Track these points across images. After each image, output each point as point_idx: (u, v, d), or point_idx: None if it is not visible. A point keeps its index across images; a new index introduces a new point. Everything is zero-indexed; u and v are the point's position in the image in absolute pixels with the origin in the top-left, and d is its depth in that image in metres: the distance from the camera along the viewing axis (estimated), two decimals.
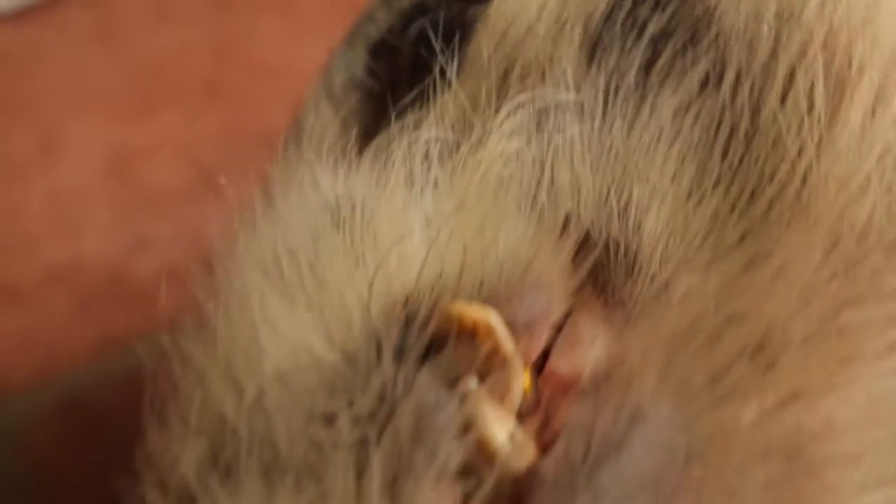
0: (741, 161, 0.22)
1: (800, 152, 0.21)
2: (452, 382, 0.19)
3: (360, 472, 0.19)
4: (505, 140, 0.24)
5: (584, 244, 0.22)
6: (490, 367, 0.20)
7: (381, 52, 0.31)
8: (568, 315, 0.22)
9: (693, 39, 0.23)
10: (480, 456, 0.19)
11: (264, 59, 0.71)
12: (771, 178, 0.21)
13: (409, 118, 0.26)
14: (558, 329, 0.21)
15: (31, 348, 0.60)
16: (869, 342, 0.20)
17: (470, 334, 0.20)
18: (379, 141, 0.26)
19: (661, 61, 0.23)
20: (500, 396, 0.20)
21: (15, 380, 0.59)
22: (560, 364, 0.21)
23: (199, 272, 0.28)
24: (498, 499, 0.19)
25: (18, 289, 0.62)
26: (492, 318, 0.20)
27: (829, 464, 0.19)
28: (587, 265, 0.21)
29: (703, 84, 0.23)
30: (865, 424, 0.19)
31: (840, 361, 0.19)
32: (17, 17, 0.74)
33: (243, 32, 0.74)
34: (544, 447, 0.19)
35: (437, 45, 0.26)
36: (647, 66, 0.23)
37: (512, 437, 0.19)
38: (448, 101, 0.25)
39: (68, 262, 0.63)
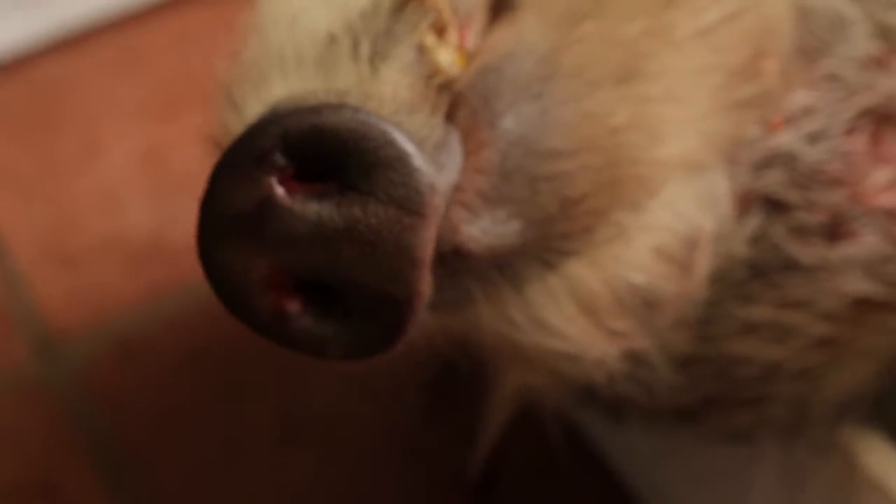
0: None
1: None
2: (413, 26, 0.33)
3: (355, 54, 0.32)
4: None
5: None
6: (437, 22, 0.33)
7: None
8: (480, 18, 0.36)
9: None
10: (422, 61, 0.33)
11: None
12: None
13: None
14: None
15: (89, 302, 0.75)
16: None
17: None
18: None
19: None
20: (441, 35, 0.34)
21: (77, 327, 0.74)
22: (478, 34, 0.36)
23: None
24: (440, 98, 0.33)
25: (75, 258, 0.77)
26: None
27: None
28: None
29: None
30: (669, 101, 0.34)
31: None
32: (57, 49, 0.90)
33: None
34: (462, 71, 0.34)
35: None
36: None
37: (438, 58, 0.33)
38: None
39: (114, 234, 0.79)
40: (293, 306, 0.33)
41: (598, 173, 0.36)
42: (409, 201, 0.31)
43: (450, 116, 0.34)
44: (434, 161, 0.32)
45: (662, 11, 0.38)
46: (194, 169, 0.75)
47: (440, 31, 0.34)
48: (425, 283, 0.32)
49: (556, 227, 0.36)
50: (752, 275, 0.46)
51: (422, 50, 0.33)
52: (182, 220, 0.79)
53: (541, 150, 0.35)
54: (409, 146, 0.31)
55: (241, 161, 0.31)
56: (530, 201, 0.36)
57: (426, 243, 0.32)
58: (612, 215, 0.37)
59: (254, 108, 0.34)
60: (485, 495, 0.66)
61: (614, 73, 0.37)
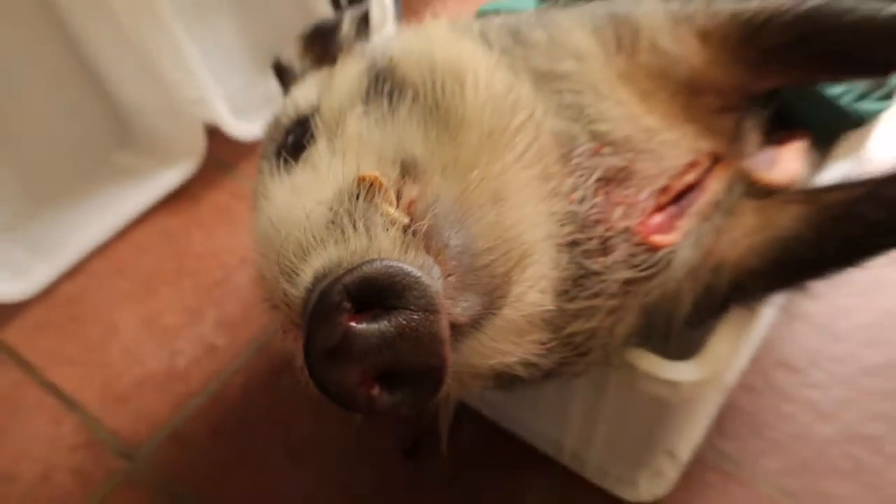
0: (393, 102, 0.57)
1: (442, 110, 0.55)
2: (375, 205, 0.48)
3: (354, 229, 0.46)
4: (357, 122, 0.58)
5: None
6: (385, 195, 0.49)
7: (284, 137, 0.64)
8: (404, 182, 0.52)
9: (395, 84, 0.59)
10: (390, 223, 0.47)
11: None
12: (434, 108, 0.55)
13: (303, 155, 0.59)
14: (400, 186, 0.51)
15: (139, 419, 1.13)
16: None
17: (372, 183, 0.49)
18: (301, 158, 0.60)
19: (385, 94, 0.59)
20: (391, 203, 0.49)
21: (140, 435, 1.11)
22: (408, 194, 0.51)
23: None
24: (403, 237, 0.46)
25: (122, 395, 1.15)
26: (378, 177, 0.50)
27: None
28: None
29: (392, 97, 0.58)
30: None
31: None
32: (73, 273, 1.31)
33: None
34: (411, 217, 0.48)
35: (306, 138, 0.60)
36: (375, 97, 0.59)
37: (396, 216, 0.48)
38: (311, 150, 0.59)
39: (141, 374, 1.17)
40: (377, 392, 0.44)
41: (509, 257, 0.51)
42: (429, 306, 0.43)
43: (424, 248, 0.47)
44: (431, 276, 0.44)
45: (502, 155, 0.55)
46: (179, 323, 1.17)
47: (389, 199, 0.49)
48: (450, 352, 0.44)
49: (495, 292, 0.50)
50: (570, 284, 0.63)
51: (385, 214, 0.48)
52: (180, 356, 1.18)
53: (476, 252, 0.49)
54: (417, 273, 0.44)
55: (325, 311, 0.43)
56: (479, 283, 0.49)
57: (445, 328, 0.44)
58: (517, 279, 0.52)
59: (306, 278, 0.48)
60: (413, 452, 1.02)
61: (493, 197, 0.52)
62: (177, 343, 1.21)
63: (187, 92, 1.33)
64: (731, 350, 0.74)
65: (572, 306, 0.64)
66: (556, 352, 0.65)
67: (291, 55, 0.79)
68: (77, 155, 1.42)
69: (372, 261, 0.43)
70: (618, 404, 0.83)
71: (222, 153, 1.47)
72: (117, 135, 1.46)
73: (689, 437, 0.99)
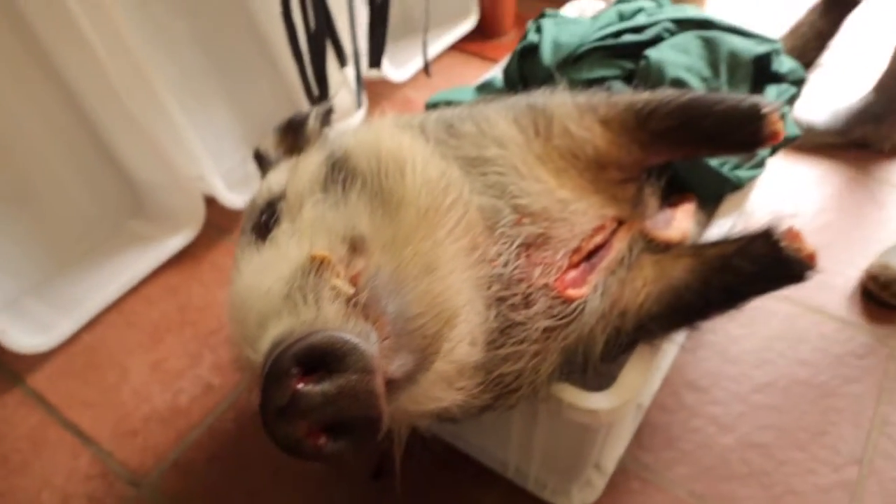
0: (346, 187, 0.57)
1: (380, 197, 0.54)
2: (324, 279, 0.48)
3: (305, 302, 0.46)
4: (313, 207, 0.56)
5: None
6: (334, 270, 0.49)
7: (258, 217, 0.62)
8: (352, 257, 0.52)
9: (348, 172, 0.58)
10: (336, 295, 0.47)
11: None
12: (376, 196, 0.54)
13: (270, 234, 0.57)
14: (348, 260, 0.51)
15: (147, 450, 1.09)
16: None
17: (322, 260, 0.49)
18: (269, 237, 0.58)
19: (339, 181, 0.58)
20: (338, 277, 0.49)
21: (147, 465, 1.07)
22: (354, 267, 0.50)
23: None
24: (355, 309, 0.46)
25: (133, 429, 1.12)
26: (327, 255, 0.50)
27: None
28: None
29: (345, 183, 0.58)
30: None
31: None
32: (90, 324, 1.28)
33: None
34: (355, 288, 0.48)
35: (274, 219, 0.59)
36: (332, 183, 0.58)
37: (342, 288, 0.48)
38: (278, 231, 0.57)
39: (149, 411, 1.13)
40: (323, 441, 0.44)
41: (438, 319, 0.50)
42: (365, 367, 0.43)
43: (364, 316, 0.47)
44: (368, 343, 0.44)
45: (435, 231, 0.55)
46: (181, 366, 1.15)
47: (337, 274, 0.49)
48: (385, 404, 0.45)
49: (427, 350, 0.50)
50: (498, 334, 0.65)
51: (333, 287, 0.48)
52: (182, 394, 1.15)
53: (410, 317, 0.49)
54: (355, 340, 0.44)
55: (276, 376, 0.43)
56: (413, 344, 0.49)
57: (380, 385, 0.44)
58: (446, 336, 0.52)
59: (263, 345, 0.46)
60: (379, 474, 1.00)
61: (425, 268, 0.52)
62: (180, 383, 1.18)
63: (189, 170, 1.33)
64: (639, 381, 0.75)
65: (501, 352, 0.64)
66: (490, 391, 0.65)
67: (269, 144, 0.79)
68: (96, 223, 1.40)
69: (317, 331, 0.43)
70: (549, 429, 0.83)
71: (219, 220, 1.46)
72: (130, 206, 1.45)
73: (613, 452, 0.99)
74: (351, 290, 0.48)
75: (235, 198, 1.39)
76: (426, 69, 1.58)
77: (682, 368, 1.16)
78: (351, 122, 1.58)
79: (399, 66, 1.76)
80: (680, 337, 0.90)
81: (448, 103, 0.95)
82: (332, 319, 0.45)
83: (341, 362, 0.43)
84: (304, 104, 1.49)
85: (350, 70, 1.52)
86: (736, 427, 1.08)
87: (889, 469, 1.02)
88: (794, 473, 1.02)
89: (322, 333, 0.43)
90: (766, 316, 1.24)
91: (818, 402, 1.11)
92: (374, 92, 1.79)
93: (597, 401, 0.72)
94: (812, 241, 0.69)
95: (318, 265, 0.49)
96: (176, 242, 1.39)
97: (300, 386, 0.42)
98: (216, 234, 1.46)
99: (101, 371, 1.22)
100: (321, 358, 0.43)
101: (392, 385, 0.47)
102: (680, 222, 0.83)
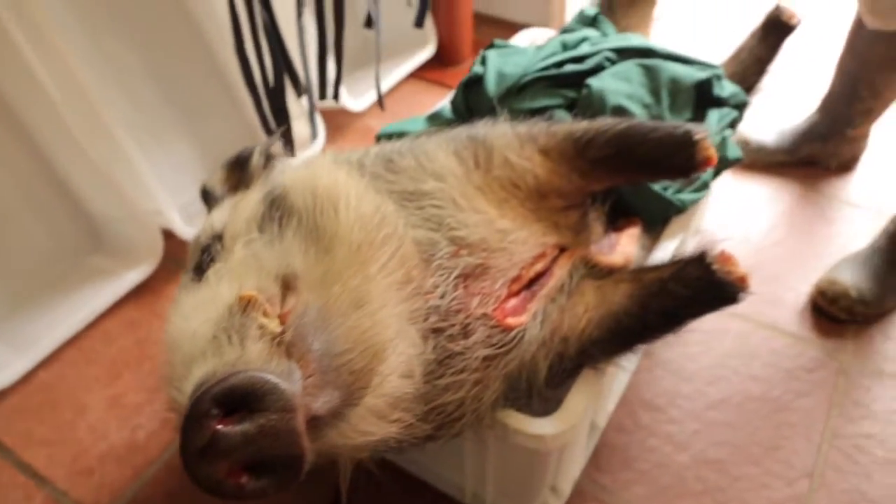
0: (282, 224, 0.57)
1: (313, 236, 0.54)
2: (251, 318, 0.48)
3: (230, 342, 0.46)
4: (245, 246, 0.56)
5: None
6: (264, 311, 0.49)
7: (200, 255, 0.62)
8: (284, 295, 0.52)
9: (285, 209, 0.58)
10: (262, 334, 0.47)
11: None
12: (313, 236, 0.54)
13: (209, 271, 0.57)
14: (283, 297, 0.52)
15: (104, 488, 1.08)
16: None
17: (250, 300, 0.49)
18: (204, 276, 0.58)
19: (276, 218, 0.58)
20: (266, 316, 0.49)
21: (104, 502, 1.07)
22: (286, 306, 0.51)
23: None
24: (280, 348, 0.46)
25: (88, 468, 1.10)
26: (255, 295, 0.50)
27: None
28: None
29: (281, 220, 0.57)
30: None
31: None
32: (47, 362, 1.26)
33: None
34: (283, 325, 0.48)
35: (209, 258, 0.59)
36: (269, 221, 0.58)
37: (269, 327, 0.48)
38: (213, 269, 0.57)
39: (106, 449, 1.12)
40: (245, 480, 0.44)
41: (365, 354, 0.51)
42: (285, 406, 0.44)
43: (289, 355, 0.47)
44: (290, 381, 0.45)
45: (367, 266, 0.57)
46: (139, 401, 1.13)
47: (265, 313, 0.50)
48: (307, 442, 0.45)
49: (354, 386, 0.50)
50: (437, 364, 0.64)
51: (260, 326, 0.48)
52: (140, 430, 1.14)
53: (336, 354, 0.49)
54: (276, 380, 0.44)
55: (196, 417, 0.43)
56: (339, 380, 0.49)
57: (301, 423, 0.44)
58: (375, 371, 0.52)
59: (188, 386, 0.47)
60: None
61: (354, 304, 0.52)
62: (137, 419, 1.16)
63: (146, 204, 1.32)
64: (584, 405, 0.76)
65: (441, 382, 0.64)
66: (431, 420, 0.65)
67: (215, 181, 0.79)
68: (53, 259, 1.39)
69: (238, 372, 0.44)
70: (499, 454, 0.84)
71: (178, 253, 1.45)
72: (88, 241, 1.43)
73: (568, 474, 1.00)
74: (278, 329, 0.48)
75: (193, 231, 1.37)
76: (380, 102, 1.60)
77: (639, 388, 1.18)
78: (308, 153, 1.59)
79: (357, 97, 1.77)
80: (629, 361, 0.91)
81: (401, 134, 0.97)
82: (254, 359, 0.45)
83: (261, 402, 0.43)
84: (263, 136, 1.50)
85: (305, 101, 1.54)
86: (691, 445, 1.10)
87: (839, 481, 1.04)
88: (748, 489, 1.03)
89: (242, 374, 0.43)
90: (719, 333, 1.27)
91: (771, 416, 1.13)
92: (334, 122, 1.81)
93: (542, 426, 0.73)
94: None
95: (245, 305, 0.50)
96: (134, 276, 1.38)
97: (220, 427, 0.42)
98: (175, 267, 1.45)
99: (58, 408, 1.20)
100: (242, 398, 0.43)
101: (317, 422, 0.47)
102: (624, 247, 0.85)
